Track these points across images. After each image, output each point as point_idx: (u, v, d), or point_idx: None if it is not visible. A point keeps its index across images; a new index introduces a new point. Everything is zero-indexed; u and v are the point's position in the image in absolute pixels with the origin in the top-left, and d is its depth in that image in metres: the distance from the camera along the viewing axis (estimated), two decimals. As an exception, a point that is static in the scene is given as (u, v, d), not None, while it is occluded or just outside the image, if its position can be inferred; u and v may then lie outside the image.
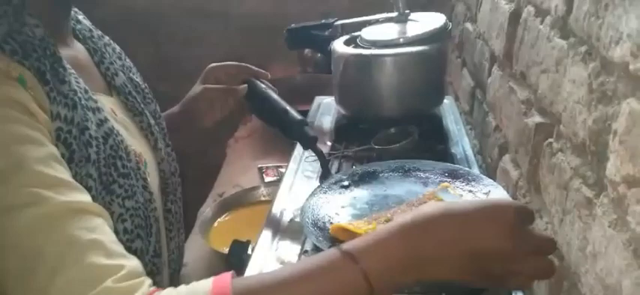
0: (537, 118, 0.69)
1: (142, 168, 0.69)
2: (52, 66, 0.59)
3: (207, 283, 0.51)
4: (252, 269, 0.70)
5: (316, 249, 0.68)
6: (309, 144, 0.87)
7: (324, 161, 0.87)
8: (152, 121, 0.78)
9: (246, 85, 0.92)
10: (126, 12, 1.82)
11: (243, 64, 0.95)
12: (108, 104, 0.70)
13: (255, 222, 0.86)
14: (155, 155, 0.76)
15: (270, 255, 0.72)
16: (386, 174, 0.84)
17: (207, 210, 1.16)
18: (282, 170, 0.98)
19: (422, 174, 0.83)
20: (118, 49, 0.84)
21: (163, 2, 1.89)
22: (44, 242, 0.50)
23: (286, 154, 1.03)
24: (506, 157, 0.84)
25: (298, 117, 0.87)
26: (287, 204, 0.84)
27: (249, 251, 0.80)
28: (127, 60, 0.85)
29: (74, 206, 0.53)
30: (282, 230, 0.78)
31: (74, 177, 0.56)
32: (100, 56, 0.76)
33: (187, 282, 0.54)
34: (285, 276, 0.52)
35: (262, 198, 1.19)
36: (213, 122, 0.92)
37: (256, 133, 1.50)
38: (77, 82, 0.63)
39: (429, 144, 0.98)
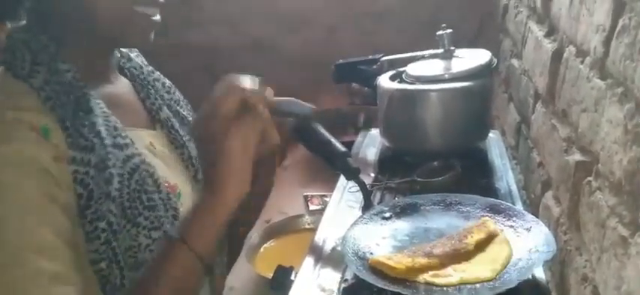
0: (577, 156, 0.70)
1: (174, 199, 0.73)
2: (75, 112, 0.64)
3: None
4: (295, 293, 0.73)
5: (356, 278, 0.70)
6: (352, 175, 0.90)
7: (366, 192, 0.89)
8: (195, 153, 0.81)
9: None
10: (183, 47, 1.92)
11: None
12: (147, 137, 0.76)
13: (299, 249, 0.89)
14: (196, 185, 0.80)
15: (312, 282, 0.75)
16: (428, 207, 0.85)
17: (254, 235, 1.20)
18: (327, 199, 1.01)
19: (463, 208, 0.84)
20: (167, 83, 0.89)
21: (218, 37, 1.99)
22: None
23: (331, 183, 1.06)
24: (549, 193, 0.84)
25: (341, 149, 0.90)
26: (330, 232, 0.87)
27: (292, 277, 0.83)
28: (176, 93, 0.90)
29: (56, 274, 0.58)
30: (324, 258, 0.80)
31: (94, 213, 0.63)
32: (146, 92, 0.81)
33: None
34: (142, 277, 0.65)
35: (306, 226, 1.23)
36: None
37: (303, 162, 1.55)
38: (107, 121, 0.68)
39: (473, 179, 0.99)
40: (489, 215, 0.80)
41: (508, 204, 0.83)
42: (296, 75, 1.91)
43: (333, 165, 0.93)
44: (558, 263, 0.75)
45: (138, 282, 0.66)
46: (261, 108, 0.68)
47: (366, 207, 0.88)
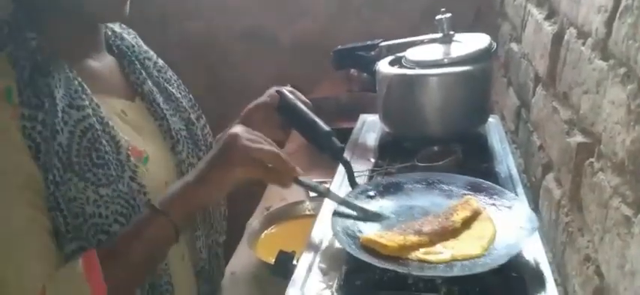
0: (579, 138, 0.70)
1: (134, 161, 0.79)
2: (32, 74, 0.72)
3: (79, 259, 0.70)
4: (297, 279, 0.73)
5: (357, 263, 0.70)
6: (336, 154, 0.91)
7: (350, 171, 0.90)
8: (178, 127, 0.89)
9: (278, 95, 0.97)
10: (181, 37, 1.91)
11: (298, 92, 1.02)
12: (119, 106, 0.84)
13: (300, 235, 0.89)
14: (173, 156, 0.87)
15: (314, 266, 0.75)
16: (410, 186, 0.87)
17: (255, 222, 1.20)
18: (327, 185, 1.02)
19: (445, 187, 0.86)
20: (160, 63, 0.96)
21: (216, 28, 1.98)
22: None
23: (331, 169, 1.06)
24: (550, 176, 0.85)
25: (325, 128, 0.91)
26: (330, 217, 0.87)
27: (294, 262, 0.83)
28: (169, 73, 0.97)
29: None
30: (325, 242, 0.81)
31: (43, 164, 0.70)
32: (132, 67, 0.88)
33: (235, 290, 0.65)
34: (122, 239, 0.74)
35: (307, 212, 1.23)
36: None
37: (303, 148, 1.55)
38: (68, 84, 0.75)
39: (473, 163, 0.99)
40: (471, 193, 0.82)
41: (489, 182, 0.84)
42: (294, 63, 1.91)
43: (318, 144, 0.94)
44: (560, 244, 0.76)
45: (115, 241, 0.74)
46: (284, 178, 0.80)
47: (352, 186, 0.89)
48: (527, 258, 0.73)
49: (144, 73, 0.89)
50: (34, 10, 0.77)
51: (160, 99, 0.89)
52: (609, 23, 0.61)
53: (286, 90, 1.02)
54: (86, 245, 0.73)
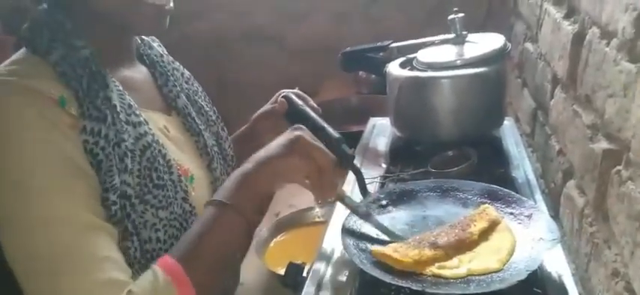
0: (604, 144, 0.66)
1: (184, 181, 0.74)
2: (90, 84, 0.67)
3: (154, 267, 0.65)
4: (307, 292, 0.70)
5: (370, 275, 0.67)
6: (347, 161, 0.87)
7: (361, 179, 0.86)
8: (211, 142, 0.84)
9: (285, 102, 0.94)
10: (188, 39, 1.89)
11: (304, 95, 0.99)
12: (161, 121, 0.78)
13: (310, 243, 0.86)
14: (209, 174, 0.82)
15: (325, 279, 0.72)
16: (424, 194, 0.84)
17: (263, 229, 1.17)
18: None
19: (461, 195, 0.82)
20: (187, 73, 0.92)
21: (223, 29, 1.96)
22: (62, 254, 0.60)
23: (341, 175, 1.03)
24: (571, 183, 0.81)
25: (335, 135, 0.88)
26: (340, 225, 0.84)
27: (304, 274, 0.80)
28: (195, 85, 0.92)
29: (91, 223, 0.63)
30: (336, 252, 0.78)
31: (103, 184, 0.65)
32: (164, 79, 0.83)
33: None
34: (199, 237, 0.69)
35: (317, 219, 1.20)
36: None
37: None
38: (121, 99, 0.71)
39: (489, 168, 0.96)
40: (487, 201, 0.79)
41: (506, 190, 0.81)
42: (302, 64, 1.88)
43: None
44: (584, 256, 0.72)
45: (185, 246, 0.68)
46: (327, 190, 0.77)
47: (363, 195, 0.86)
48: (549, 271, 0.69)
49: (177, 86, 0.85)
50: (71, 16, 0.72)
51: (193, 114, 0.84)
52: (638, 22, 0.57)
53: (294, 94, 0.99)
54: (137, 273, 0.67)
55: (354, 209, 0.78)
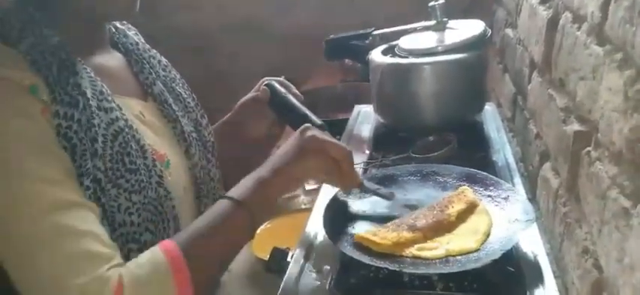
0: (576, 126, 0.68)
1: (159, 166, 0.75)
2: (60, 71, 0.68)
3: (155, 249, 0.65)
4: (291, 276, 0.72)
5: (350, 259, 0.69)
6: None
7: None
8: (189, 129, 0.85)
9: (268, 90, 0.95)
10: (172, 30, 1.89)
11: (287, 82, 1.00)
12: (137, 107, 0.79)
13: (295, 229, 0.87)
14: (186, 159, 0.83)
15: (308, 262, 0.74)
16: (405, 178, 0.86)
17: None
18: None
19: (440, 178, 0.85)
20: (164, 61, 0.92)
21: (207, 19, 1.95)
22: (43, 230, 0.61)
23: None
24: (547, 165, 0.83)
25: (318, 121, 0.89)
26: (322, 215, 0.85)
27: (289, 259, 0.82)
28: (173, 72, 0.92)
29: (68, 202, 0.63)
30: (320, 238, 0.79)
31: (79, 168, 0.65)
32: (140, 66, 0.84)
33: (230, 286, 0.63)
34: (206, 227, 0.70)
35: (302, 206, 1.21)
36: (258, 133, 0.97)
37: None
38: (93, 85, 0.71)
39: (469, 152, 0.98)
40: (466, 184, 0.81)
41: (484, 173, 0.83)
42: (287, 53, 1.88)
43: None
44: (558, 236, 0.74)
45: (189, 234, 0.69)
46: (348, 181, 0.79)
47: None
48: (525, 250, 0.71)
49: (153, 73, 0.85)
50: (41, 6, 0.73)
51: (170, 100, 0.85)
52: (605, 7, 0.59)
53: (277, 82, 1.00)
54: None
55: (376, 193, 0.80)
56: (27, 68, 0.66)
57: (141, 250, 0.69)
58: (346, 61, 1.69)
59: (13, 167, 0.62)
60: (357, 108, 1.29)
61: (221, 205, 0.72)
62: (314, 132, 0.78)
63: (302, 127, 0.79)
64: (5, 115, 0.63)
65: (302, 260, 0.75)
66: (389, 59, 1.06)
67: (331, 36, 1.29)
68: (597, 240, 0.59)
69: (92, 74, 0.73)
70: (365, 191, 0.81)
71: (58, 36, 0.71)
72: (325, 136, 0.78)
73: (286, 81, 1.02)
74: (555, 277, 0.67)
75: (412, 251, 0.67)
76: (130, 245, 0.70)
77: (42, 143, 0.64)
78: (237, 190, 0.74)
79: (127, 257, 0.68)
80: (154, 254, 0.65)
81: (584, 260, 0.62)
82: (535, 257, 0.70)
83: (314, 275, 0.72)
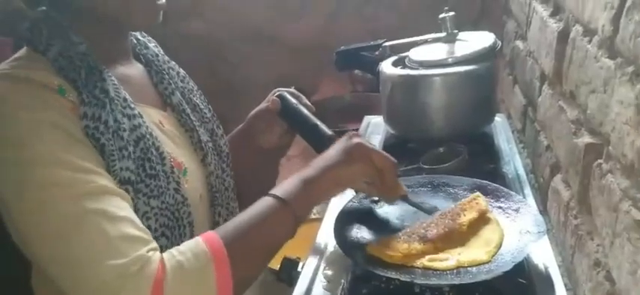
0: (587, 138, 0.68)
1: (177, 173, 0.76)
2: (88, 76, 0.70)
3: (198, 239, 0.66)
4: (301, 286, 0.72)
5: (362, 269, 0.69)
6: None
7: None
8: (205, 138, 0.87)
9: (279, 100, 0.96)
10: (183, 38, 1.91)
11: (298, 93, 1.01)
12: (157, 116, 0.81)
13: (305, 239, 0.88)
14: (203, 168, 0.84)
15: (319, 273, 0.74)
16: (415, 189, 0.86)
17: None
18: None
19: (451, 190, 0.85)
20: (182, 72, 0.94)
21: (218, 28, 1.97)
22: (79, 213, 0.61)
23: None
24: (558, 177, 0.83)
25: (328, 132, 0.90)
26: (333, 226, 0.86)
27: (299, 269, 0.82)
28: (190, 83, 0.95)
29: (104, 188, 0.64)
30: (330, 248, 0.80)
31: (106, 167, 0.66)
32: (160, 77, 0.86)
33: None
34: (248, 223, 0.70)
35: (313, 216, 1.21)
36: (269, 143, 0.98)
37: (308, 152, 1.54)
38: (117, 92, 0.73)
39: (480, 164, 0.98)
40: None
41: (495, 184, 0.83)
42: (297, 63, 1.89)
43: (320, 149, 0.92)
44: (569, 248, 0.74)
45: (233, 227, 0.70)
46: (392, 192, 0.80)
47: (355, 190, 0.87)
48: (536, 262, 0.71)
49: (172, 84, 0.87)
50: (68, 13, 0.75)
51: (188, 110, 0.87)
52: (616, 20, 0.59)
53: (288, 93, 1.01)
54: None
55: (418, 206, 0.80)
56: (55, 73, 0.69)
57: (232, 225, 0.71)
58: (356, 71, 1.70)
59: (48, 155, 0.63)
60: (367, 118, 1.29)
61: (265, 202, 0.72)
62: (360, 139, 0.78)
63: (349, 133, 0.80)
64: (38, 108, 0.65)
65: (313, 270, 0.75)
66: (399, 70, 1.06)
67: (342, 47, 1.30)
68: (609, 253, 0.59)
69: (116, 82, 0.75)
70: (408, 203, 0.81)
71: (83, 40, 0.73)
72: (371, 145, 0.78)
73: (297, 92, 1.03)
74: (567, 289, 0.67)
75: (423, 262, 0.68)
76: None
77: (74, 135, 0.66)
78: (282, 188, 0.74)
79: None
80: (196, 244, 0.65)
81: (596, 272, 0.62)
82: (546, 269, 0.71)
83: (324, 285, 0.72)
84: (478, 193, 0.79)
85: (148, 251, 0.62)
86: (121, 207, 0.65)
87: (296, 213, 0.72)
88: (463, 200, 0.79)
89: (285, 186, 0.74)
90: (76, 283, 0.62)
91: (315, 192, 0.75)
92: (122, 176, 0.68)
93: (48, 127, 0.65)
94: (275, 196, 0.72)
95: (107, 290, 0.60)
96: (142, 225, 0.66)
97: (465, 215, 0.74)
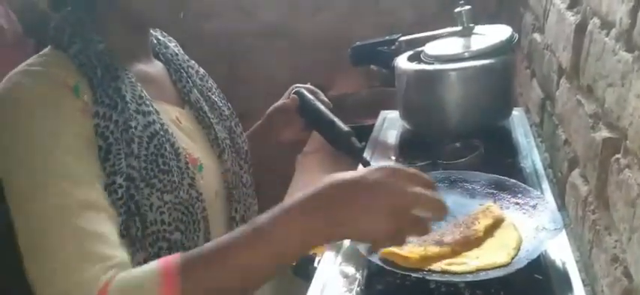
0: (605, 133, 0.67)
1: (192, 169, 0.78)
2: (104, 75, 0.73)
3: (157, 260, 0.63)
4: (317, 282, 0.73)
5: (378, 265, 0.69)
6: (356, 154, 0.90)
7: None
8: (223, 135, 0.88)
9: (297, 97, 0.97)
10: (200, 36, 1.92)
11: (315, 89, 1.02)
12: (174, 112, 0.83)
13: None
14: (220, 164, 0.85)
15: (335, 269, 0.75)
16: None
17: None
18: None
19: (468, 186, 0.84)
20: (201, 71, 0.97)
21: (233, 24, 1.98)
22: (53, 226, 0.63)
23: (352, 168, 1.05)
24: (576, 172, 0.82)
25: (345, 128, 0.91)
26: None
27: (315, 264, 0.83)
28: (209, 82, 0.97)
29: (85, 201, 0.65)
30: (345, 243, 0.80)
31: (112, 166, 0.69)
32: (179, 75, 0.89)
33: (256, 291, 0.63)
34: (210, 250, 0.63)
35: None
36: (287, 139, 0.99)
37: (324, 147, 1.54)
38: (133, 90, 0.76)
39: (497, 158, 0.97)
40: (494, 191, 0.80)
41: (513, 180, 0.82)
42: (313, 59, 1.90)
43: (337, 144, 0.93)
44: (587, 243, 0.73)
45: (198, 253, 0.63)
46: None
47: None
48: (553, 258, 0.71)
49: (190, 82, 0.90)
50: (92, 13, 0.78)
51: (206, 108, 0.88)
52: (634, 13, 0.59)
53: (305, 89, 1.02)
54: (149, 254, 0.70)
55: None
56: (74, 70, 0.72)
57: (170, 249, 0.73)
58: (372, 66, 1.70)
59: (41, 155, 0.66)
60: (383, 113, 1.29)
61: (237, 230, 0.64)
62: (403, 180, 0.62)
63: (383, 168, 0.63)
64: (43, 114, 0.69)
65: (329, 266, 0.76)
66: (415, 65, 1.06)
67: (357, 42, 1.30)
68: (627, 248, 0.58)
69: (133, 79, 0.77)
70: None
71: (105, 43, 0.76)
72: (417, 187, 0.62)
73: (315, 88, 1.03)
74: (584, 285, 0.67)
75: (441, 265, 0.67)
76: (160, 244, 0.72)
77: (74, 138, 0.69)
78: (260, 216, 0.64)
79: (157, 255, 0.71)
80: (152, 264, 0.62)
81: (613, 267, 0.62)
82: (564, 264, 0.70)
83: (341, 281, 0.73)
84: (490, 203, 0.78)
85: (100, 269, 0.61)
86: (96, 221, 0.65)
87: (272, 243, 0.61)
88: (478, 204, 0.78)
89: (266, 213, 0.64)
90: (37, 277, 0.64)
91: (296, 225, 0.62)
92: (128, 173, 0.70)
93: (49, 135, 0.68)
94: (254, 227, 0.63)
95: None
96: (114, 238, 0.66)
97: (479, 222, 0.73)
